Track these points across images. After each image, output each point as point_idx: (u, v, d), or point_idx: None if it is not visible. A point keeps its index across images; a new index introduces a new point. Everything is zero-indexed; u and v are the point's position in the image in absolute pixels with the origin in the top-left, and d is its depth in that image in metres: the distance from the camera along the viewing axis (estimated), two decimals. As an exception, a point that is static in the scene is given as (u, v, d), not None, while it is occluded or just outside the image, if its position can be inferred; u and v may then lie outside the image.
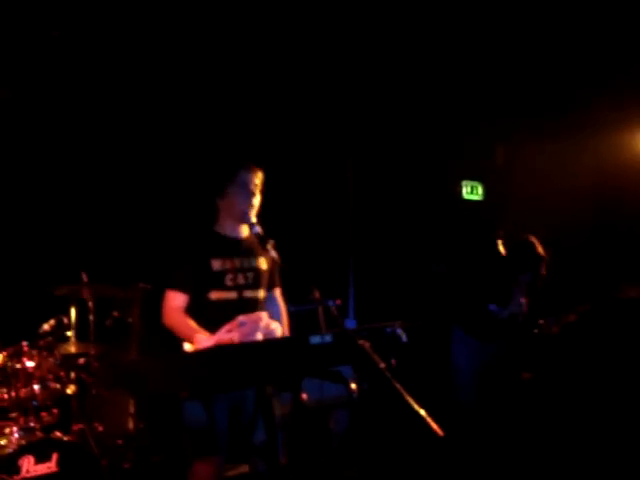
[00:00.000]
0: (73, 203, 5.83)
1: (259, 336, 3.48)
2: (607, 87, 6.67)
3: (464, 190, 8.13)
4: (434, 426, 3.14)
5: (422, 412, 3.14)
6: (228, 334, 3.47)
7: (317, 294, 3.65)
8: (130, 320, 5.36)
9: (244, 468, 4.36)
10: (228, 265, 3.93)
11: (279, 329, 3.62)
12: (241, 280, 3.95)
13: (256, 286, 4.00)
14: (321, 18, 6.06)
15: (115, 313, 5.29)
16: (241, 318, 3.51)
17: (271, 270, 4.12)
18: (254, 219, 3.90)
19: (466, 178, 8.14)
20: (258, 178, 4.00)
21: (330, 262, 7.08)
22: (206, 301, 3.86)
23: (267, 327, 3.54)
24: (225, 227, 4.01)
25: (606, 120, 7.05)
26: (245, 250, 4.02)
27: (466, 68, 7.15)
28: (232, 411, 3.78)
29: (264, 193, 4.04)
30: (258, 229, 3.87)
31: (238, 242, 4.03)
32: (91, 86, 5.86)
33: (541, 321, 5.03)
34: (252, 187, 3.97)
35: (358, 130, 7.31)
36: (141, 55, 5.88)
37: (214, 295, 3.88)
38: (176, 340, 3.83)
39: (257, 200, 3.98)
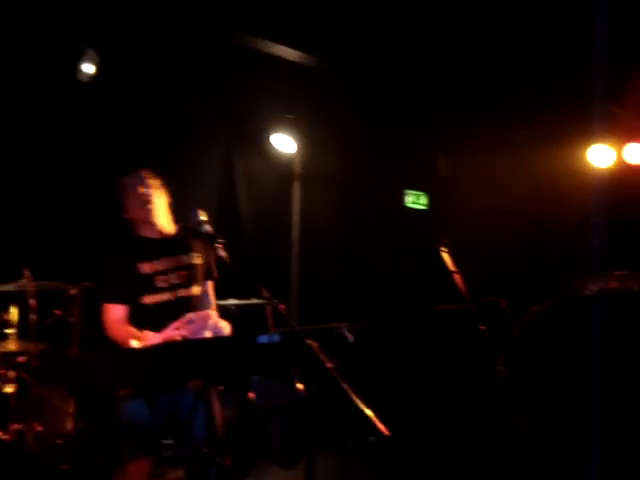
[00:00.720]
0: (14, 200, 5.73)
1: (207, 334, 3.47)
2: (547, 101, 6.81)
3: (408, 199, 8.21)
4: (380, 426, 3.17)
5: (368, 412, 3.17)
6: (176, 331, 3.46)
7: (266, 293, 3.65)
8: (72, 319, 5.28)
9: (179, 473, 4.31)
10: (157, 267, 3.90)
11: (227, 328, 3.62)
12: (174, 280, 3.93)
13: (190, 284, 3.94)
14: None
15: (57, 311, 5.21)
16: (189, 315, 3.50)
17: (205, 264, 4.08)
18: (204, 217, 3.88)
19: (410, 187, 8.23)
20: (147, 179, 4.01)
21: (273, 267, 7.10)
22: (142, 306, 3.83)
23: (215, 325, 3.53)
24: (145, 229, 3.99)
25: (545, 133, 7.20)
26: (174, 248, 3.99)
27: (409, 78, 7.23)
28: (171, 411, 3.75)
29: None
30: (207, 227, 3.85)
31: (164, 242, 4.00)
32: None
33: (483, 327, 5.09)
34: (141, 190, 3.97)
35: (306, 136, 7.33)
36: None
37: (148, 299, 3.84)
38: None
39: (156, 200, 3.99)
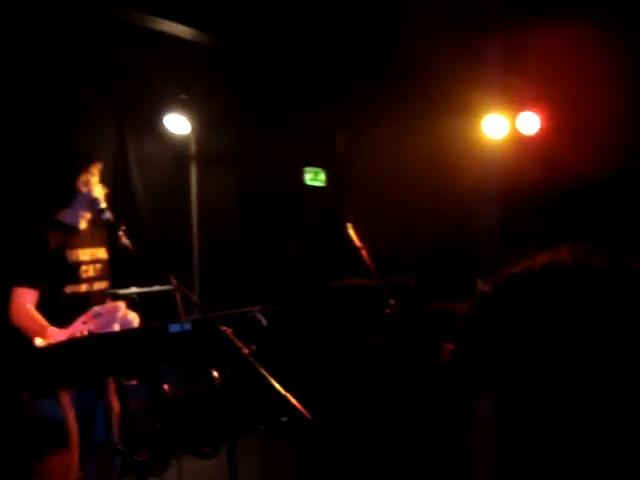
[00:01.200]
0: None
1: (116, 327, 3.34)
2: (443, 73, 6.84)
3: (306, 176, 8.15)
4: (301, 409, 3.12)
5: (288, 395, 3.10)
6: (83, 326, 3.30)
7: (174, 280, 3.54)
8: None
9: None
10: (82, 257, 3.79)
11: (136, 319, 3.49)
12: (92, 272, 3.83)
13: (103, 278, 3.90)
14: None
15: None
16: (97, 309, 3.36)
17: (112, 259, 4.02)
18: (104, 204, 3.76)
19: (308, 165, 8.17)
20: (97, 169, 3.91)
21: (173, 251, 6.93)
22: (59, 296, 3.68)
23: (124, 317, 3.40)
24: (71, 217, 3.85)
25: (442, 105, 7.25)
26: (90, 240, 3.89)
27: (304, 54, 7.15)
28: (80, 405, 3.64)
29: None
30: (108, 215, 3.73)
31: (83, 232, 3.89)
32: None
33: (392, 301, 5.10)
34: (93, 181, 3.86)
35: (201, 117, 7.17)
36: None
37: (69, 289, 3.71)
38: (24, 338, 3.61)
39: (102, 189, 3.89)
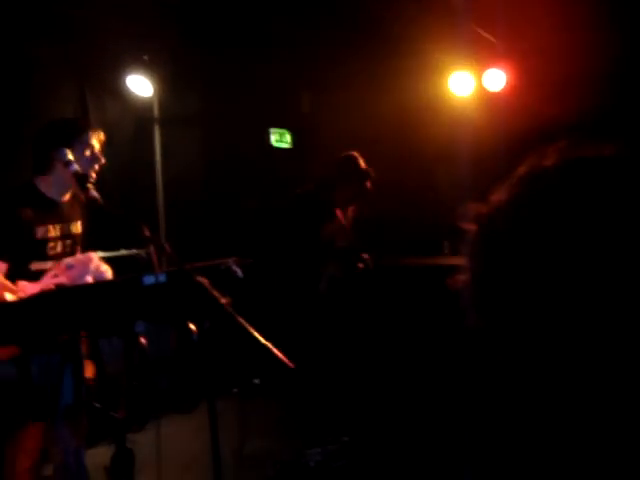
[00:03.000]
0: None
1: (89, 279, 3.24)
2: (408, 28, 6.78)
3: (272, 138, 8.06)
4: (283, 358, 3.07)
5: (269, 345, 3.06)
6: (55, 279, 3.20)
7: (147, 233, 3.44)
8: None
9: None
10: (51, 233, 3.65)
11: (109, 271, 3.39)
12: (59, 249, 3.69)
13: (72, 254, 3.74)
14: None
15: None
16: (68, 260, 3.26)
17: (85, 232, 3.89)
18: (70, 156, 3.61)
19: (274, 126, 8.08)
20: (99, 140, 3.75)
21: (139, 215, 6.81)
22: (24, 272, 3.54)
23: (97, 269, 3.30)
24: (51, 188, 3.68)
25: (407, 62, 7.19)
26: (66, 215, 3.74)
27: (268, 12, 7.05)
28: (40, 374, 3.52)
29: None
30: (75, 167, 3.58)
31: (61, 206, 3.73)
32: None
33: (365, 256, 5.07)
34: (89, 148, 3.69)
35: (164, 78, 7.03)
36: None
37: (34, 266, 3.57)
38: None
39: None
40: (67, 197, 3.73)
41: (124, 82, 6.80)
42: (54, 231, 3.66)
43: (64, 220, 3.72)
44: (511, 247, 0.90)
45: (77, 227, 3.81)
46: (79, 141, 3.63)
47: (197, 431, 4.42)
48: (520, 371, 0.90)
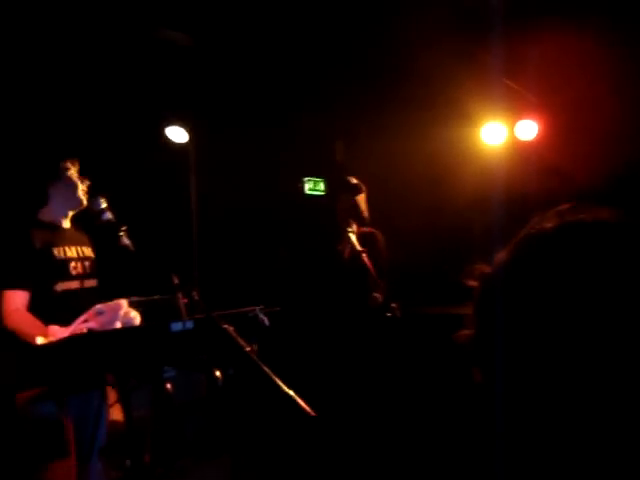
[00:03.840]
0: None
1: (118, 325, 3.31)
2: (442, 81, 6.86)
3: (306, 186, 8.15)
4: (305, 407, 3.09)
5: (292, 393, 3.08)
6: (85, 324, 3.28)
7: (176, 280, 3.53)
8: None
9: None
10: (69, 253, 3.78)
11: (137, 318, 3.46)
12: (81, 269, 3.81)
13: (93, 275, 3.89)
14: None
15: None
16: (99, 306, 3.33)
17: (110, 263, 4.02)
18: (105, 204, 3.75)
19: (308, 175, 8.18)
20: (76, 167, 3.92)
21: (174, 256, 6.91)
22: (51, 294, 3.66)
23: (126, 315, 3.37)
24: (55, 214, 3.85)
25: (440, 113, 7.27)
26: (75, 239, 3.89)
27: (303, 64, 7.18)
28: (78, 417, 3.59)
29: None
30: (109, 215, 3.72)
31: (68, 231, 3.90)
32: None
33: (393, 304, 5.08)
34: (75, 178, 3.86)
35: (200, 128, 7.18)
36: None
37: (60, 286, 3.68)
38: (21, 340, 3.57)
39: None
40: (68, 224, 3.88)
41: (162, 130, 6.94)
42: (70, 252, 3.79)
43: (75, 243, 3.86)
44: (508, 304, 0.95)
45: (89, 251, 3.95)
46: (64, 167, 3.80)
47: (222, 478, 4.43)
48: (520, 427, 0.93)
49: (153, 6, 5.98)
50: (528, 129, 7.26)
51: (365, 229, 5.71)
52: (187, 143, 7.16)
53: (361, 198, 5.80)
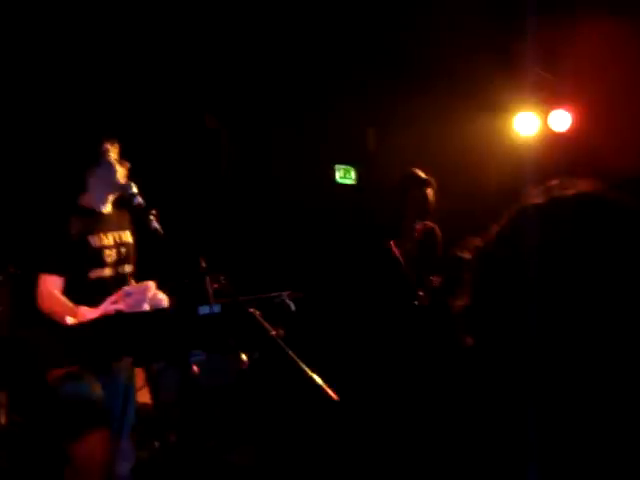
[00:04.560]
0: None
1: (146, 307, 3.36)
2: (475, 68, 6.83)
3: (337, 174, 8.16)
4: (329, 391, 3.13)
5: (316, 378, 3.12)
6: (114, 305, 3.34)
7: (204, 264, 3.57)
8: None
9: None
10: (104, 241, 3.82)
11: (166, 300, 3.52)
12: (115, 256, 3.86)
13: (127, 261, 3.92)
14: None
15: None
16: (127, 288, 3.40)
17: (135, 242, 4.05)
18: (135, 189, 3.79)
19: (339, 162, 8.18)
20: (116, 149, 3.93)
21: (203, 241, 6.97)
22: (85, 281, 3.72)
23: (154, 297, 3.42)
24: (94, 200, 3.88)
25: (473, 101, 7.23)
26: (115, 224, 3.92)
27: (336, 50, 7.19)
28: (108, 389, 3.67)
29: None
30: (139, 200, 3.76)
31: (107, 216, 3.92)
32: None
33: (420, 292, 5.10)
34: (116, 158, 3.89)
35: (233, 111, 7.21)
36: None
37: (93, 274, 3.74)
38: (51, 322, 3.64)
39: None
40: (109, 208, 3.90)
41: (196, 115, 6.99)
42: (106, 239, 3.83)
43: (113, 229, 3.89)
44: (501, 273, 1.00)
45: (127, 236, 3.96)
46: (102, 151, 3.81)
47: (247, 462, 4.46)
48: (509, 385, 0.97)
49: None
50: (561, 119, 7.20)
51: (429, 224, 5.69)
52: (219, 128, 7.20)
53: (430, 192, 5.73)
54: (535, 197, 1.06)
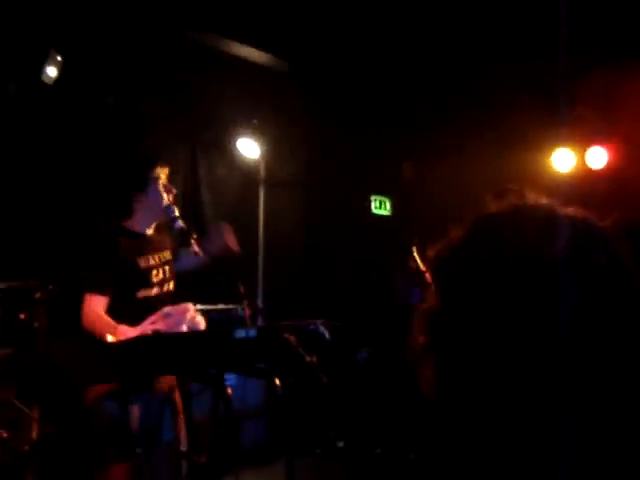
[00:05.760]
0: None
1: (184, 328, 3.42)
2: (512, 103, 6.87)
3: (373, 204, 8.22)
4: (360, 417, 3.16)
5: (348, 405, 3.15)
6: (152, 325, 3.40)
7: (242, 289, 3.63)
8: (37, 323, 5.14)
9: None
10: (152, 262, 3.90)
11: (203, 323, 3.57)
12: (161, 275, 3.94)
13: (171, 278, 4.00)
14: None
15: (21, 315, 5.07)
16: (167, 309, 3.45)
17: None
18: (177, 212, 3.88)
19: (375, 193, 8.24)
20: (165, 174, 4.01)
21: (239, 266, 7.04)
22: (132, 300, 3.79)
23: (192, 319, 3.48)
24: (140, 224, 3.96)
25: (510, 136, 7.26)
26: (158, 243, 4.00)
27: (373, 83, 7.26)
28: (141, 417, 3.70)
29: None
30: (181, 223, 3.84)
31: (151, 237, 4.00)
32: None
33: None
34: (164, 183, 3.96)
35: (271, 141, 7.30)
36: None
37: (141, 294, 3.81)
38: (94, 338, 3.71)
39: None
40: (152, 231, 3.98)
41: (233, 144, 7.08)
42: (153, 260, 3.91)
43: (157, 250, 3.97)
44: (460, 277, 1.04)
45: (168, 254, 4.05)
46: (151, 178, 3.89)
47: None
48: (471, 381, 1.00)
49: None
50: (598, 157, 7.20)
51: None
52: (258, 158, 7.29)
53: None
54: (495, 205, 1.11)
